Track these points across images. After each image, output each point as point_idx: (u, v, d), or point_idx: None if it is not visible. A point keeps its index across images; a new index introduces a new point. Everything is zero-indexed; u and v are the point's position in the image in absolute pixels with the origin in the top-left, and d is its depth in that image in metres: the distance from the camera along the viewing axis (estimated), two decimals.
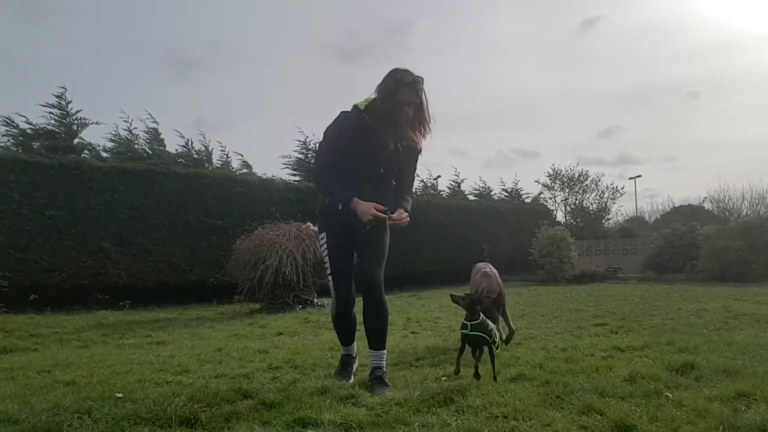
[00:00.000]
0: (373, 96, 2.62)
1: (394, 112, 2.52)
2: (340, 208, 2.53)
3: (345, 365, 2.85)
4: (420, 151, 2.72)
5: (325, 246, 2.74)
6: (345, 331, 2.84)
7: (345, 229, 2.64)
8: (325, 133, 2.66)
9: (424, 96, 2.59)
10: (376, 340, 2.68)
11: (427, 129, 2.64)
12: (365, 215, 2.47)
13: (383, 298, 2.66)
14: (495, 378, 2.57)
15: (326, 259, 2.72)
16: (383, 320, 2.69)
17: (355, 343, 2.89)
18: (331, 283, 2.73)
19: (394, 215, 2.57)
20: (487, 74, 42.24)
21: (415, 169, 2.82)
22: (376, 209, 2.49)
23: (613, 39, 42.01)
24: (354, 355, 2.90)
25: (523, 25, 40.97)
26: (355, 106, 2.63)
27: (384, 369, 2.64)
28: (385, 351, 2.69)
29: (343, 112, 2.67)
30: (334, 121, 2.66)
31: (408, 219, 2.62)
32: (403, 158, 2.69)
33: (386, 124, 2.56)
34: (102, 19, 31.43)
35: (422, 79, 2.59)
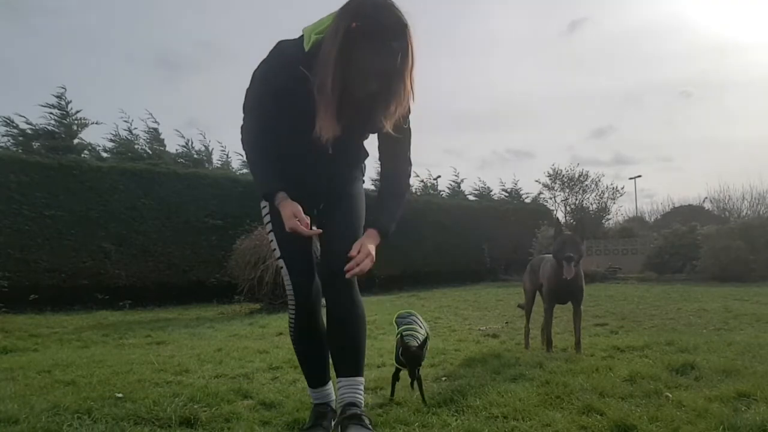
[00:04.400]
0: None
1: (348, 84, 1.59)
2: (265, 201, 1.82)
3: (318, 419, 1.86)
4: (403, 127, 1.76)
5: (268, 218, 1.86)
6: (312, 353, 1.92)
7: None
8: (252, 77, 1.76)
9: (409, 50, 1.56)
10: (348, 361, 1.79)
11: (405, 104, 1.66)
12: (285, 224, 1.67)
13: (358, 298, 1.80)
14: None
15: (271, 236, 1.86)
16: (358, 329, 1.79)
17: (330, 385, 1.95)
18: (283, 270, 1.83)
19: (352, 252, 1.66)
20: (480, 75, 42.39)
21: (407, 146, 1.85)
22: (299, 220, 1.65)
23: (605, 40, 42.27)
24: (331, 404, 1.94)
25: (516, 26, 41.10)
26: (301, 44, 1.66)
27: (362, 405, 1.77)
28: (362, 379, 1.80)
29: (280, 45, 1.72)
30: (264, 60, 1.73)
31: (369, 264, 1.66)
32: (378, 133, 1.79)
33: None
34: (96, 19, 31.45)
35: (405, 26, 1.54)
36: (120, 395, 2.31)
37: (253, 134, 1.79)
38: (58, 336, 4.85)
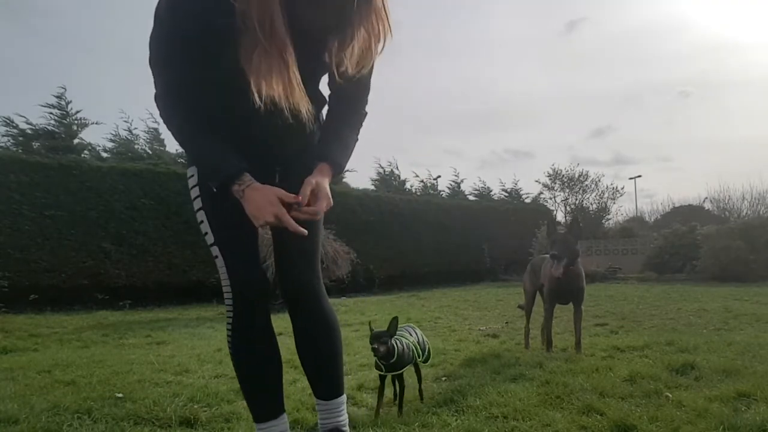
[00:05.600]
0: None
1: (294, 17, 1.20)
2: (214, 190, 1.36)
3: None
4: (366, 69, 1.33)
5: (196, 190, 1.46)
6: (256, 371, 1.54)
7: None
8: (156, 16, 1.25)
9: None
10: (326, 381, 1.55)
11: (379, 39, 1.25)
12: (259, 217, 1.25)
13: (328, 307, 1.55)
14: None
15: (200, 215, 1.47)
16: (332, 343, 1.55)
17: (284, 419, 1.60)
18: (218, 260, 1.49)
19: (303, 196, 1.29)
20: (480, 75, 42.48)
21: (366, 93, 1.47)
22: (284, 203, 1.25)
23: (605, 40, 42.47)
24: None
25: (515, 26, 41.25)
26: None
27: (347, 428, 1.56)
28: (343, 398, 1.57)
29: None
30: None
31: (326, 207, 1.34)
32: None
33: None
34: (96, 19, 31.45)
35: None
36: (120, 395, 2.31)
37: (175, 100, 1.31)
38: (58, 336, 4.85)
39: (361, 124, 1.51)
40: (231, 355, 1.54)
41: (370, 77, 1.42)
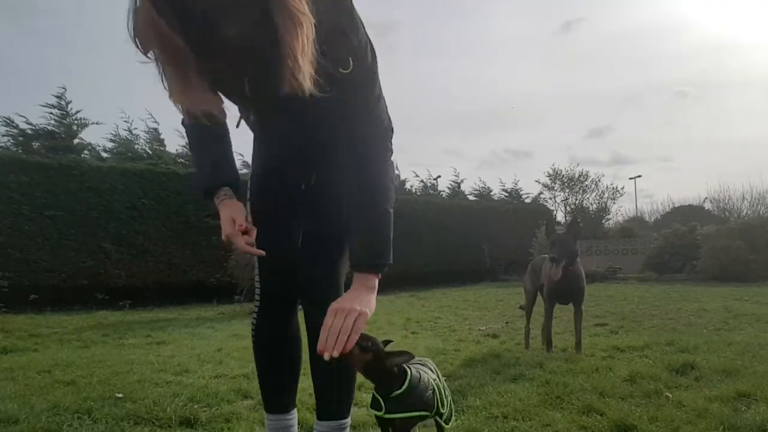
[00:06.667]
0: None
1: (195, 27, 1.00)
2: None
3: None
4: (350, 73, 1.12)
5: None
6: (270, 360, 1.54)
7: (272, 185, 1.47)
8: None
9: None
10: (326, 399, 1.44)
11: (305, 53, 1.00)
12: (223, 231, 1.27)
13: None
14: None
15: None
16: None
17: (294, 414, 1.55)
18: (256, 278, 1.55)
19: (327, 344, 1.08)
20: (479, 75, 42.52)
21: (366, 96, 1.19)
22: (241, 228, 1.26)
23: (604, 40, 42.55)
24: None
25: (515, 26, 41.30)
26: None
27: None
28: (340, 424, 1.41)
29: None
30: None
31: (349, 337, 1.08)
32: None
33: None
34: (96, 19, 31.43)
35: None
36: (120, 395, 2.31)
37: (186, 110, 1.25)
38: (58, 336, 4.85)
39: (379, 138, 1.24)
40: (253, 339, 1.59)
41: (362, 79, 1.16)
